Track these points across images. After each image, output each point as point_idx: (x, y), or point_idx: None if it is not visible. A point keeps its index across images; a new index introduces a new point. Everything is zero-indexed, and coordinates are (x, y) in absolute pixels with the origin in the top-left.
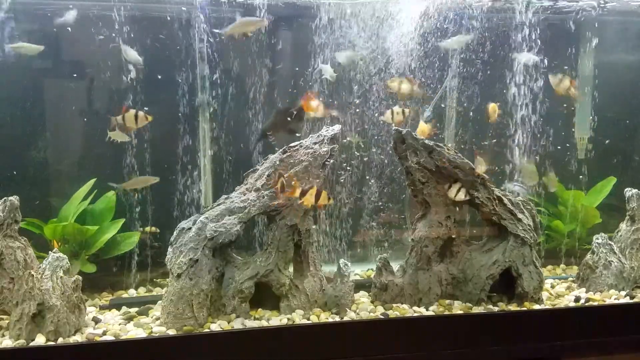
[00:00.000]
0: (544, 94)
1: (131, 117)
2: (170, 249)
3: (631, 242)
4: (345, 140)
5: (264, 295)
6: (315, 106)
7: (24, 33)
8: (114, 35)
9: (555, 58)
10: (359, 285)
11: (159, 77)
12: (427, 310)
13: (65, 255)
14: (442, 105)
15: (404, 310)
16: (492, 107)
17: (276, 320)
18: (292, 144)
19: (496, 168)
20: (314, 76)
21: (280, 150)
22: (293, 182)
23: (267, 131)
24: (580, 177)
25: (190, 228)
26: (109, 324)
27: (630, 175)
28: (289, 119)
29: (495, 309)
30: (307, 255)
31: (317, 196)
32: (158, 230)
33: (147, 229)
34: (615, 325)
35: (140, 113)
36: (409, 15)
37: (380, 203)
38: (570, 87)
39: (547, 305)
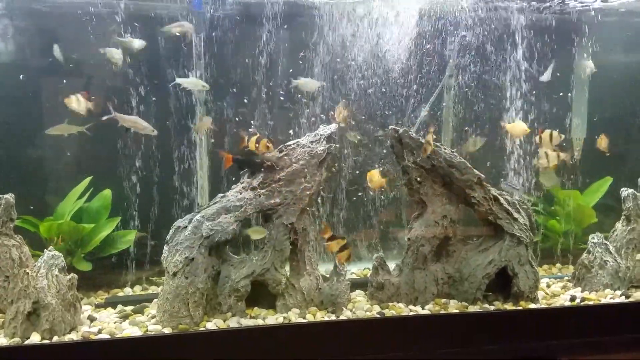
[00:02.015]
0: (541, 95)
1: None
2: (166, 248)
3: (627, 241)
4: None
5: (260, 294)
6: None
7: (20, 31)
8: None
9: (553, 58)
10: (355, 284)
11: (156, 75)
12: (423, 309)
13: (60, 254)
14: (443, 104)
15: (400, 309)
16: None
17: (272, 319)
18: (288, 143)
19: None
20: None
21: (277, 149)
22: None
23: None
24: (574, 177)
25: (186, 226)
26: (105, 322)
27: (626, 175)
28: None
29: (491, 308)
30: (303, 254)
31: (342, 249)
32: None
33: None
34: (611, 325)
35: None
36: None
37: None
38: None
39: (542, 304)
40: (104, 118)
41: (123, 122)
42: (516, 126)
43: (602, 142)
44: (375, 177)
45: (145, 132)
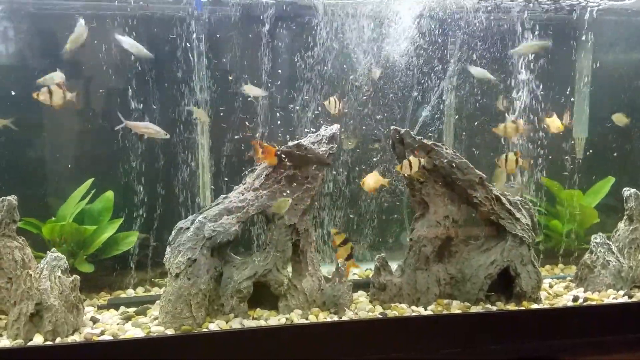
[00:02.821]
0: (541, 94)
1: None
2: (168, 249)
3: (629, 241)
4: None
5: (263, 295)
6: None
7: (21, 32)
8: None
9: (553, 57)
10: (358, 285)
11: (156, 75)
12: (425, 309)
13: (63, 255)
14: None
15: (402, 309)
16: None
17: (274, 320)
18: (290, 144)
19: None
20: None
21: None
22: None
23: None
24: (574, 176)
25: (188, 228)
26: (107, 323)
27: (629, 175)
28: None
29: (494, 308)
30: (305, 255)
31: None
32: None
33: None
34: (613, 325)
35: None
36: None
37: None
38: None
39: (545, 304)
40: (116, 128)
41: (135, 129)
42: (554, 121)
43: (552, 124)
44: (368, 180)
45: (158, 137)
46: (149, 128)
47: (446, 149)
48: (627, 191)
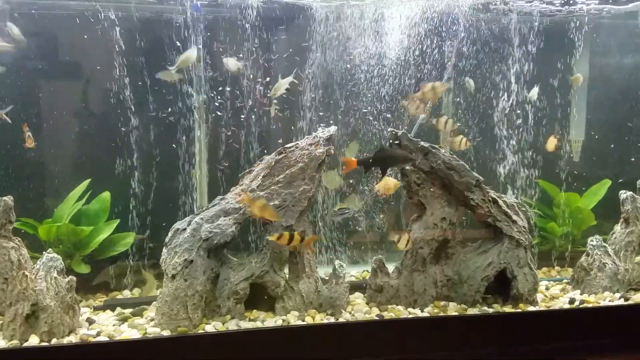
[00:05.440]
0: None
1: None
2: (165, 250)
3: (625, 244)
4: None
5: (259, 296)
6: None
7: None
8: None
9: (551, 61)
10: (355, 287)
11: (154, 77)
12: (422, 311)
13: (59, 256)
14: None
15: (399, 311)
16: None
17: (271, 321)
18: (287, 145)
19: None
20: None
21: (276, 151)
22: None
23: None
24: (570, 179)
25: (185, 229)
26: (103, 325)
27: (625, 178)
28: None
29: (490, 310)
30: (302, 256)
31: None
32: None
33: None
34: (610, 327)
35: None
36: None
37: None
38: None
39: (541, 307)
40: None
41: None
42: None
43: (456, 143)
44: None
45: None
46: None
47: (443, 151)
48: (624, 194)
